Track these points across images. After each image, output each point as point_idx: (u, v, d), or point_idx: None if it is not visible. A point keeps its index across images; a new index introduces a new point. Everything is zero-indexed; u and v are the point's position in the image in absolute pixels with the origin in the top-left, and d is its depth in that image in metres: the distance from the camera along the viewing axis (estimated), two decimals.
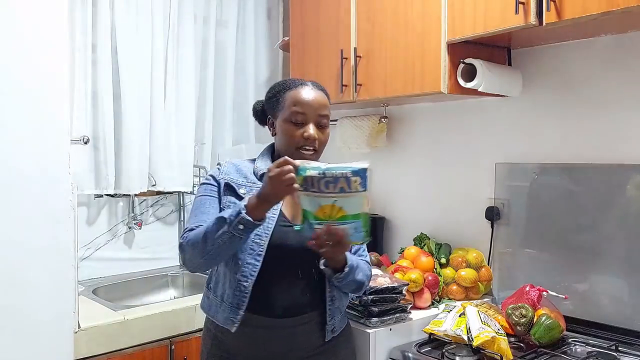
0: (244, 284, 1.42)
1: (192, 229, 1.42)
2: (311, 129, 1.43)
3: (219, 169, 1.53)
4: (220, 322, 1.46)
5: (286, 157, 1.26)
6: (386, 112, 2.45)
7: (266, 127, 1.58)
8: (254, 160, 1.56)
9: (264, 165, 1.50)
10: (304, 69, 2.49)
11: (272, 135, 1.54)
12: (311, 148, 1.44)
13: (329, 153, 2.71)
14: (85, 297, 2.14)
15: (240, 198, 1.45)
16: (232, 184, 1.48)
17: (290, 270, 1.44)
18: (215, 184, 1.50)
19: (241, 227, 1.29)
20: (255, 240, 1.41)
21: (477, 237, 2.19)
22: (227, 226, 1.30)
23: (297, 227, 1.30)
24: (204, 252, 1.35)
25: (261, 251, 1.41)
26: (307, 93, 1.46)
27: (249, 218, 1.28)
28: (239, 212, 1.29)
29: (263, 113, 1.58)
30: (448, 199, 2.32)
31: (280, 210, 1.46)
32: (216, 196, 1.48)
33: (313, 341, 1.49)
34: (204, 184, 1.52)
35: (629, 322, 1.76)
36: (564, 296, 1.82)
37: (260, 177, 1.47)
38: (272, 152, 1.56)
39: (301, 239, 1.37)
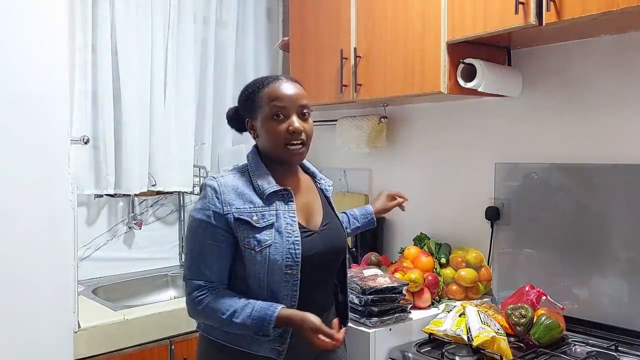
0: None
1: (201, 288, 1.35)
2: (295, 122, 1.37)
3: (217, 197, 1.35)
4: (261, 352, 1.37)
5: (334, 334, 1.28)
6: (386, 112, 2.45)
7: (245, 132, 1.50)
8: (244, 172, 1.43)
9: (266, 183, 1.39)
10: (304, 69, 2.49)
11: (255, 138, 1.46)
12: (299, 142, 1.39)
13: (329, 153, 2.72)
14: (85, 297, 2.14)
15: (256, 229, 1.35)
16: (242, 217, 1.35)
17: (319, 275, 1.43)
18: (221, 226, 1.35)
19: (264, 337, 1.34)
20: (288, 271, 1.35)
21: (477, 237, 2.19)
22: (251, 333, 1.34)
23: None
24: (220, 328, 1.38)
25: (296, 281, 1.35)
26: (284, 86, 1.40)
27: (271, 334, 1.33)
28: (266, 334, 1.32)
29: (238, 118, 1.49)
30: (448, 199, 2.32)
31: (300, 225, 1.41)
32: (221, 243, 1.36)
33: None
34: (204, 221, 1.35)
35: (628, 322, 1.76)
36: (561, 307, 1.83)
37: (267, 198, 1.38)
38: (260, 157, 1.45)
39: (325, 241, 1.42)
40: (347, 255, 1.55)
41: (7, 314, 1.63)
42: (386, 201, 1.90)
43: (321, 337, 1.27)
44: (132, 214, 2.57)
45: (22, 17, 1.65)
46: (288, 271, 1.35)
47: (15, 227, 1.65)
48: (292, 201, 1.40)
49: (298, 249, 1.35)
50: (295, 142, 1.38)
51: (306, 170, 1.56)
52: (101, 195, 2.45)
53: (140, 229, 2.58)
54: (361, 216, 1.82)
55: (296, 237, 1.36)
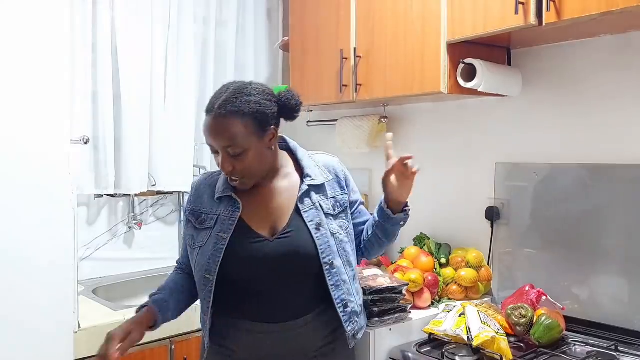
0: (204, 317, 1.44)
1: (175, 268, 1.59)
2: (224, 162, 1.35)
3: (189, 193, 1.53)
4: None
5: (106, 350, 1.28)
6: (386, 112, 2.45)
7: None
8: (220, 173, 1.47)
9: (221, 187, 1.45)
10: (304, 69, 2.49)
11: None
12: (235, 179, 1.39)
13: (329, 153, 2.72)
14: (85, 297, 2.14)
15: (196, 229, 1.44)
16: (191, 216, 1.47)
17: (275, 283, 1.40)
18: (186, 220, 1.49)
19: None
20: (206, 275, 1.39)
21: (477, 237, 2.19)
22: None
23: None
24: None
25: (210, 287, 1.39)
26: (208, 125, 1.35)
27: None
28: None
29: None
30: (448, 199, 2.32)
31: (249, 228, 1.39)
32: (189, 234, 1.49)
33: (315, 343, 1.45)
34: (184, 212, 1.54)
35: (628, 322, 1.76)
36: (562, 307, 1.83)
37: (217, 200, 1.44)
38: None
39: (280, 249, 1.38)
40: (328, 265, 1.41)
41: (8, 314, 1.63)
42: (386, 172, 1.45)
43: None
44: (132, 214, 2.57)
45: (22, 17, 1.65)
46: (206, 275, 1.39)
47: (15, 227, 1.65)
48: (237, 209, 1.40)
49: (218, 257, 1.37)
50: (232, 178, 1.39)
51: (300, 165, 1.49)
52: (101, 195, 2.46)
53: (140, 229, 2.58)
54: (377, 211, 1.51)
55: (222, 245, 1.37)
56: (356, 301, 1.50)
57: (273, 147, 1.40)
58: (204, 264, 1.39)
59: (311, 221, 1.41)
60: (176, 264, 1.58)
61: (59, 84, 1.73)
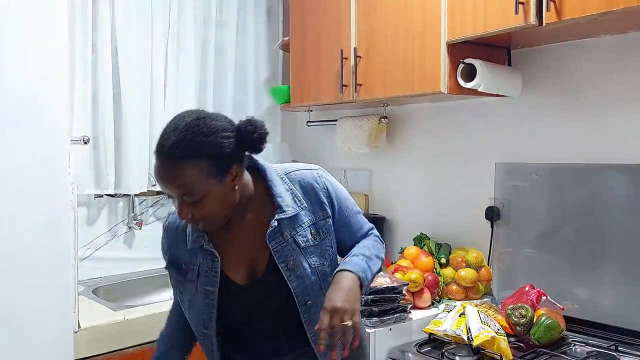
0: None
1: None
2: (179, 209, 1.20)
3: (162, 236, 1.38)
4: None
5: None
6: (386, 112, 2.45)
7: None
8: None
9: (193, 234, 1.28)
10: (304, 69, 2.49)
11: None
12: (196, 225, 1.23)
13: (329, 153, 2.72)
14: (85, 297, 2.14)
15: (180, 282, 1.31)
16: (172, 265, 1.33)
17: (264, 324, 1.32)
18: (168, 267, 1.36)
19: None
20: (204, 331, 1.30)
21: (477, 237, 2.19)
22: None
23: None
24: None
25: (212, 341, 1.30)
26: (158, 170, 1.16)
27: None
28: None
29: None
30: (448, 199, 2.32)
31: (227, 277, 1.27)
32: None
33: None
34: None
35: (629, 322, 1.76)
36: (561, 307, 1.83)
37: (200, 247, 1.27)
38: None
39: (260, 294, 1.28)
40: (304, 306, 1.26)
41: (7, 314, 1.63)
42: None
43: None
44: (132, 214, 2.57)
45: (22, 16, 1.65)
46: (204, 331, 1.30)
47: (15, 227, 1.64)
48: (216, 260, 1.26)
49: (212, 313, 1.27)
50: (193, 225, 1.25)
51: (271, 192, 1.29)
52: (101, 195, 2.45)
53: (140, 229, 2.58)
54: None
55: (212, 300, 1.26)
56: None
57: (237, 187, 1.22)
58: (198, 319, 1.31)
59: (283, 261, 1.25)
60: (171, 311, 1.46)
61: (59, 84, 1.72)
